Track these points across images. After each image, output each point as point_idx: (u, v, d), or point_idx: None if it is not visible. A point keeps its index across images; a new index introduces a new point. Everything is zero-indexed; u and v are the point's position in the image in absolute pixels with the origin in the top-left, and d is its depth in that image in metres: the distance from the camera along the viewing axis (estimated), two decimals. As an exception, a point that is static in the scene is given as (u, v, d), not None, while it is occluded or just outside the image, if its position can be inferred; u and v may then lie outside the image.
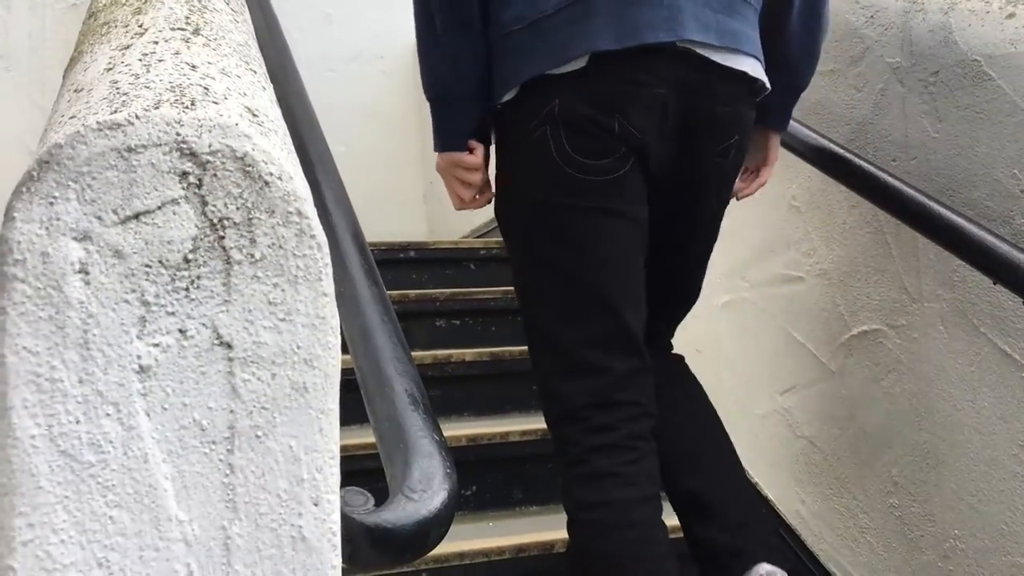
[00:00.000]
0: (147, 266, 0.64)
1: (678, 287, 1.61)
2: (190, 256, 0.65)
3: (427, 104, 1.53)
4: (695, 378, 1.71)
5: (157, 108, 0.65)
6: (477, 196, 1.57)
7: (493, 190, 1.54)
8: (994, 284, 1.47)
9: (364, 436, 1.80)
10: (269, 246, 0.66)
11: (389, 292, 2.68)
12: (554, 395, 1.44)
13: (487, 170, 1.55)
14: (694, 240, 1.58)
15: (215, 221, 0.65)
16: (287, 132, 0.81)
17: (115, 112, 0.64)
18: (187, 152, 0.64)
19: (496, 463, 2.17)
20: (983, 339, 1.54)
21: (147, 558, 0.62)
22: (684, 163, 1.48)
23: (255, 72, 0.85)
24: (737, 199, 1.72)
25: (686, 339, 2.33)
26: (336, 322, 0.69)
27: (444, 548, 1.77)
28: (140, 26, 0.84)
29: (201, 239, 0.65)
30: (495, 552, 1.82)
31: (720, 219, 1.60)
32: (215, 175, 0.65)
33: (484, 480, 2.16)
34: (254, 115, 0.71)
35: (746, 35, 1.45)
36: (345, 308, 1.08)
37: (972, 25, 1.57)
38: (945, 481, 1.62)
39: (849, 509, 1.84)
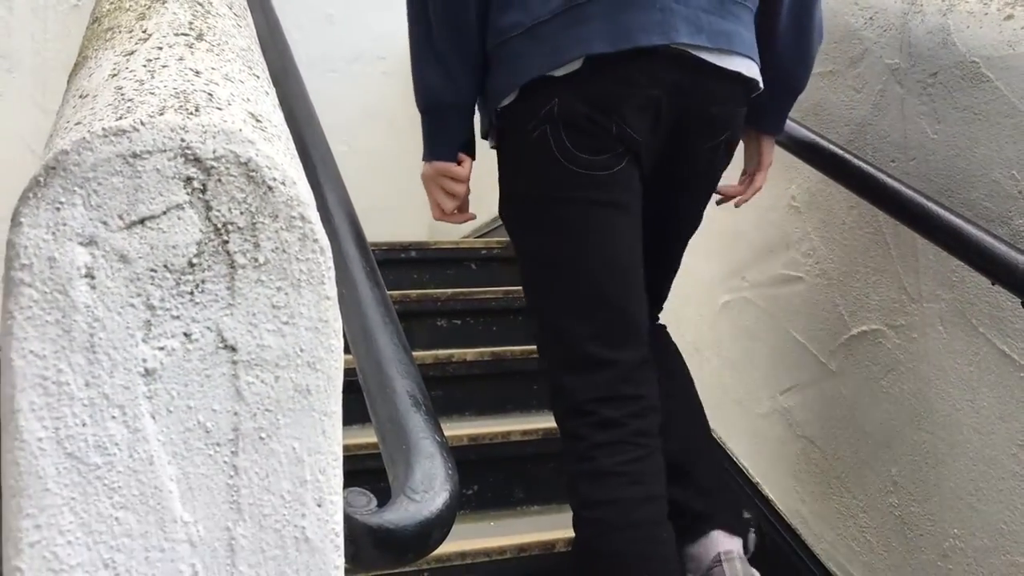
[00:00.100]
0: (152, 270, 0.64)
1: (660, 265, 1.65)
2: (195, 260, 0.65)
3: None
4: (673, 344, 1.75)
5: (162, 114, 0.66)
6: (457, 210, 1.60)
7: (498, 194, 1.56)
8: (992, 284, 1.48)
9: (366, 436, 1.81)
10: (273, 250, 0.67)
11: (390, 292, 2.69)
12: (562, 389, 1.47)
13: (469, 184, 1.58)
14: (679, 229, 1.64)
15: (219, 226, 0.66)
16: (290, 137, 0.82)
17: (120, 118, 0.65)
18: (191, 158, 0.65)
19: (497, 463, 2.18)
20: (982, 339, 1.55)
21: (152, 559, 0.63)
22: (676, 160, 1.52)
23: (258, 77, 0.85)
24: (736, 206, 1.76)
25: (687, 339, 2.34)
26: (339, 325, 0.70)
27: (446, 548, 1.78)
28: (144, 31, 0.85)
29: (205, 243, 0.66)
30: (496, 551, 1.83)
31: (704, 205, 1.65)
32: (219, 180, 0.66)
33: (485, 480, 2.17)
34: (257, 120, 0.71)
35: (739, 35, 1.48)
36: (347, 309, 1.09)
37: (970, 27, 1.58)
38: (944, 480, 1.63)
39: (849, 508, 1.84)
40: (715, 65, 1.46)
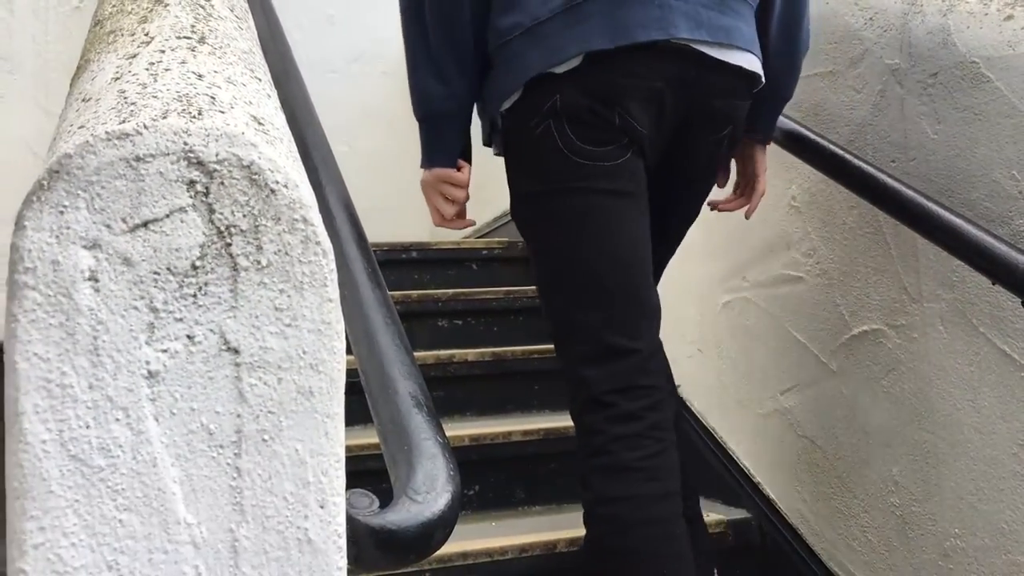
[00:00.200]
0: (155, 273, 0.65)
1: (656, 254, 1.64)
2: (198, 263, 0.66)
3: None
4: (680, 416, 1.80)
5: (165, 118, 0.66)
6: (456, 216, 1.62)
7: (510, 195, 1.58)
8: (993, 284, 1.48)
9: (368, 437, 1.81)
10: (275, 253, 0.67)
11: (391, 292, 2.69)
12: (580, 382, 1.47)
13: (468, 190, 1.61)
14: (677, 222, 1.67)
15: (222, 229, 0.66)
16: (292, 139, 0.82)
17: (123, 122, 0.65)
18: (194, 161, 0.65)
19: (498, 463, 2.18)
20: (982, 339, 1.55)
21: (156, 561, 0.63)
22: (678, 153, 1.54)
23: (260, 80, 0.86)
24: (747, 217, 1.78)
25: (687, 339, 2.34)
26: (341, 327, 0.70)
27: (447, 548, 1.79)
28: (146, 35, 0.85)
29: (208, 246, 0.66)
30: (498, 552, 1.83)
31: (703, 200, 1.68)
32: (222, 183, 0.66)
33: (487, 480, 2.17)
34: (260, 123, 0.72)
35: (739, 30, 1.49)
36: (349, 311, 1.10)
37: (970, 27, 1.58)
38: (945, 480, 1.63)
39: (850, 508, 1.85)
40: (716, 59, 1.47)
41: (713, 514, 2.07)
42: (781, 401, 2.03)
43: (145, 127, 0.65)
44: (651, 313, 1.50)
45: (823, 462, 1.91)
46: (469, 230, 3.69)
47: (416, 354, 2.41)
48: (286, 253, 0.68)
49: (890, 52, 1.74)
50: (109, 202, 0.64)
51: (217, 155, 0.66)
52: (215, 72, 0.78)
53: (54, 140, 0.74)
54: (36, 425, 0.62)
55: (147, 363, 0.64)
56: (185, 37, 0.85)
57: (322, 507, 0.67)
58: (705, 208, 1.84)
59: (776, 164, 2.00)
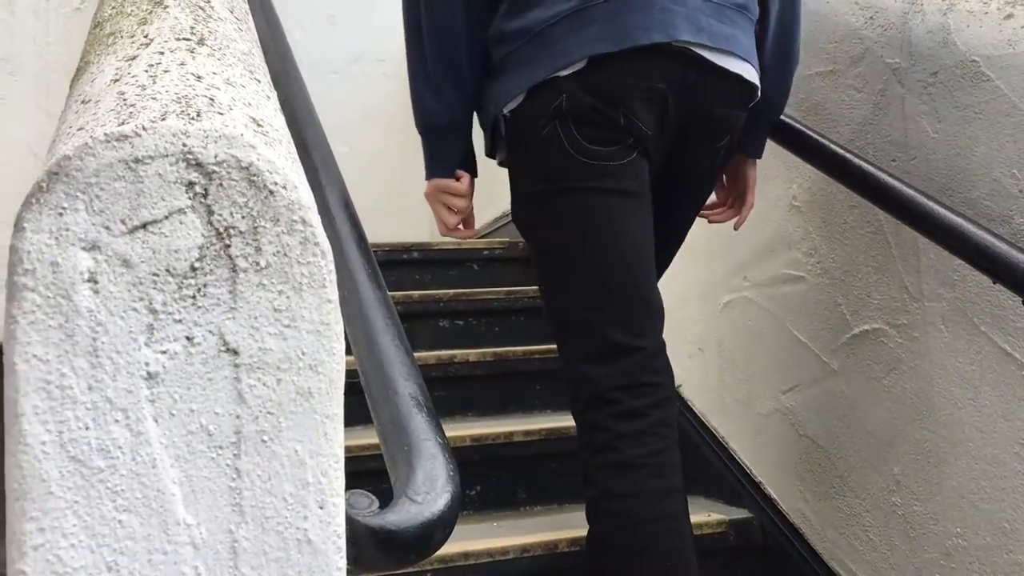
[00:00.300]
0: (154, 275, 0.65)
1: (656, 257, 1.67)
2: (197, 264, 0.66)
3: None
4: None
5: (164, 120, 0.66)
6: (461, 226, 1.67)
7: (510, 196, 1.61)
8: (994, 283, 1.48)
9: (369, 437, 1.81)
10: (274, 254, 0.68)
11: (393, 293, 2.69)
12: (584, 379, 1.48)
13: (471, 199, 1.66)
14: (678, 224, 1.69)
15: (221, 230, 0.66)
16: (291, 141, 0.82)
17: (122, 124, 0.65)
18: (193, 163, 0.66)
19: (500, 463, 2.18)
20: (983, 338, 1.55)
21: (156, 561, 0.64)
22: (678, 161, 1.57)
23: (259, 81, 0.86)
24: (735, 228, 1.83)
25: (689, 339, 2.34)
26: (340, 328, 0.70)
27: (449, 548, 1.79)
28: (146, 36, 0.85)
29: (207, 248, 0.66)
30: (499, 552, 1.83)
31: (701, 206, 1.72)
32: (221, 185, 0.66)
33: (488, 480, 2.17)
34: (259, 125, 0.72)
35: (739, 40, 1.52)
36: (349, 311, 1.10)
37: (970, 26, 1.58)
38: (947, 479, 1.63)
39: (851, 507, 1.85)
40: (716, 64, 1.50)
41: (715, 514, 2.07)
42: (782, 400, 2.03)
43: (144, 129, 0.65)
44: (654, 312, 1.52)
45: (824, 461, 1.91)
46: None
47: (417, 354, 2.42)
48: (285, 254, 0.68)
49: (890, 51, 1.74)
50: (108, 204, 0.64)
51: (216, 157, 0.66)
52: (214, 74, 0.78)
53: (53, 142, 0.74)
54: (36, 426, 0.62)
55: (146, 364, 0.64)
56: (184, 39, 0.85)
57: (321, 508, 0.67)
58: (706, 208, 1.87)
59: (777, 164, 2.00)
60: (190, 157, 0.65)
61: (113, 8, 1.02)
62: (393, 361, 0.99)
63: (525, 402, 2.50)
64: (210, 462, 0.65)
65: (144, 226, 0.65)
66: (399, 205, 3.78)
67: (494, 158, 1.67)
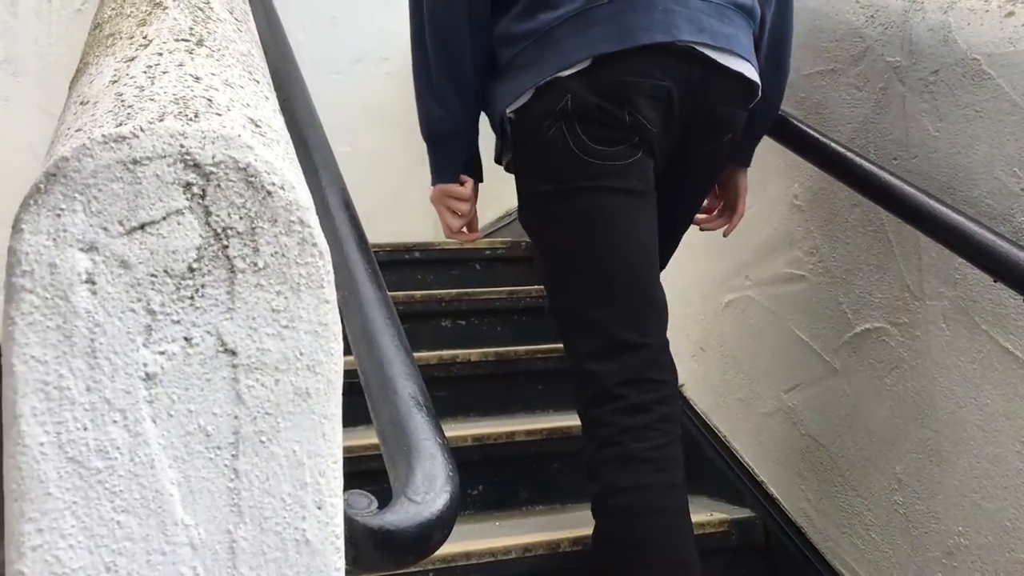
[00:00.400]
0: (152, 276, 0.65)
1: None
2: (194, 265, 0.66)
3: None
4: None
5: (161, 120, 0.66)
6: (465, 229, 1.71)
7: (518, 199, 1.64)
8: (995, 282, 1.47)
9: (370, 437, 1.81)
10: (272, 255, 0.68)
11: (395, 293, 2.69)
12: (590, 376, 1.50)
13: (475, 203, 1.70)
14: (679, 218, 1.72)
15: (219, 231, 0.66)
16: (290, 141, 0.82)
17: (120, 125, 0.65)
18: (191, 164, 0.66)
19: (502, 463, 2.18)
20: (985, 336, 1.55)
21: (154, 562, 0.64)
22: (680, 158, 1.60)
23: (258, 82, 0.86)
24: (724, 235, 1.87)
25: (691, 338, 2.34)
26: (338, 328, 0.70)
27: (450, 548, 1.79)
28: (145, 38, 0.85)
29: (205, 248, 0.66)
30: (501, 552, 1.83)
31: (701, 202, 1.76)
32: (218, 186, 0.66)
33: (490, 480, 2.17)
34: (257, 126, 0.72)
35: (739, 39, 1.55)
36: (349, 311, 1.10)
37: (971, 24, 1.58)
38: (949, 478, 1.63)
39: (853, 506, 1.84)
40: (719, 63, 1.52)
41: (717, 513, 2.06)
42: (784, 400, 2.03)
43: (141, 130, 0.65)
44: (659, 310, 1.54)
45: (826, 460, 1.91)
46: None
47: (419, 354, 2.43)
48: (283, 255, 0.68)
49: (891, 50, 1.74)
50: (106, 205, 0.64)
51: (213, 157, 0.66)
52: (213, 75, 0.78)
53: (52, 143, 0.74)
54: (34, 427, 0.62)
55: (144, 365, 0.64)
56: (183, 40, 0.85)
57: (320, 508, 0.68)
58: (708, 207, 1.88)
59: (778, 163, 2.00)
60: (188, 158, 0.65)
61: (113, 10, 1.02)
62: (393, 361, 0.99)
63: (527, 402, 2.50)
64: (208, 463, 0.65)
65: (142, 227, 0.65)
66: (401, 205, 3.78)
67: (501, 164, 1.69)
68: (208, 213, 0.66)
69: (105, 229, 0.64)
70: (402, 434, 0.89)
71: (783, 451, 2.04)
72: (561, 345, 1.64)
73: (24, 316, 0.62)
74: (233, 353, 0.66)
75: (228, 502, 0.65)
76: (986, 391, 1.55)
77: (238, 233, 0.67)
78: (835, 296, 1.87)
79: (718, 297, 2.25)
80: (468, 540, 1.85)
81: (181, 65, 0.78)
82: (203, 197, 0.66)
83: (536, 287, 2.78)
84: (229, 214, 0.66)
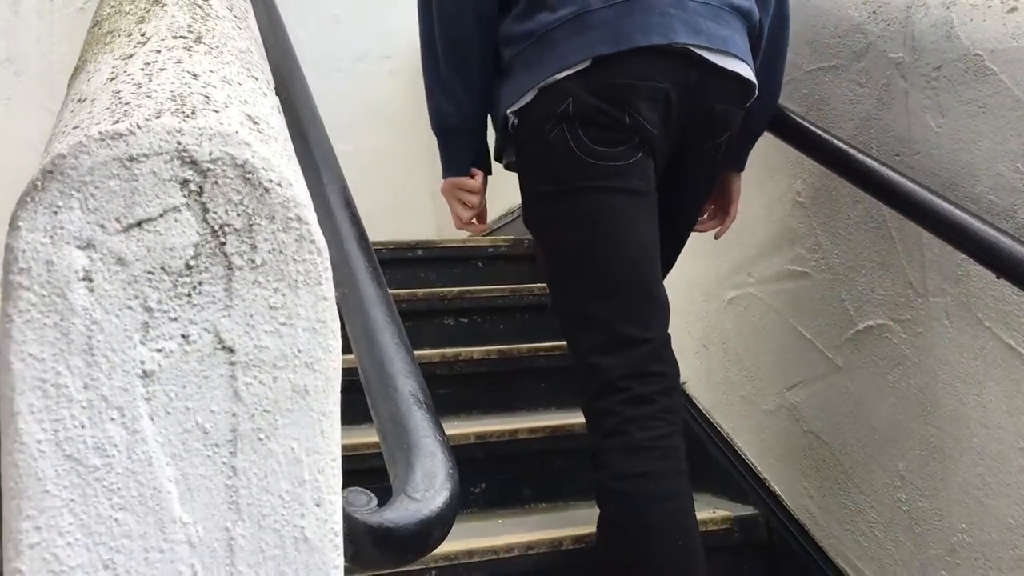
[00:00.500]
0: (150, 273, 0.65)
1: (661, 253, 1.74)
2: (192, 262, 0.66)
3: None
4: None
5: (158, 117, 0.66)
6: (475, 220, 1.76)
7: (521, 203, 1.68)
8: (998, 278, 1.47)
9: (372, 435, 1.81)
10: (270, 252, 0.67)
11: (397, 291, 2.69)
12: (593, 369, 1.53)
13: (484, 196, 1.74)
14: (680, 221, 1.74)
15: (216, 228, 0.66)
16: (288, 138, 0.82)
17: (117, 122, 0.65)
18: (188, 160, 0.65)
19: (505, 461, 2.18)
20: (988, 333, 1.54)
21: (152, 560, 0.63)
22: (679, 158, 1.62)
23: (256, 79, 0.86)
24: (716, 237, 1.90)
25: (693, 336, 2.34)
26: (337, 325, 0.70)
27: (453, 546, 1.79)
28: (143, 35, 0.85)
29: (202, 245, 0.66)
30: (504, 549, 1.83)
31: (704, 202, 1.78)
32: (216, 183, 0.66)
33: (493, 478, 2.17)
34: (255, 123, 0.72)
35: (735, 41, 1.58)
36: (349, 309, 1.10)
37: (974, 20, 1.57)
38: (952, 475, 1.62)
39: (856, 503, 1.84)
40: (715, 64, 1.55)
41: (720, 511, 2.06)
42: (787, 397, 2.02)
43: (138, 127, 0.65)
44: (660, 306, 1.57)
45: (829, 458, 1.91)
46: (475, 227, 3.69)
47: (422, 352, 2.43)
48: (280, 252, 0.68)
49: (894, 46, 1.74)
50: (103, 202, 0.64)
51: (211, 154, 0.66)
52: (211, 71, 0.78)
53: (50, 141, 0.74)
54: (31, 425, 0.62)
55: (142, 363, 0.64)
56: (182, 37, 0.85)
57: (318, 505, 0.67)
58: (710, 204, 1.88)
59: (780, 159, 2.00)
60: (185, 155, 0.65)
61: (112, 7, 1.02)
62: (393, 359, 0.99)
63: (530, 400, 2.50)
64: (206, 460, 0.65)
65: (139, 224, 0.64)
66: (403, 203, 3.78)
67: (501, 162, 1.73)
68: (205, 210, 0.66)
69: (102, 226, 0.64)
70: (402, 431, 0.89)
71: (786, 448, 2.03)
72: (564, 343, 1.67)
73: (21, 313, 0.62)
74: (231, 350, 0.66)
75: (226, 499, 0.65)
76: (989, 388, 1.55)
77: (235, 230, 0.66)
78: (838, 293, 1.87)
79: (721, 294, 2.24)
80: (471, 538, 1.85)
81: (179, 62, 0.78)
82: (200, 194, 0.66)
83: (539, 285, 2.77)
84: (226, 211, 0.66)
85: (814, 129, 1.81)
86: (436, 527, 0.78)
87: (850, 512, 1.86)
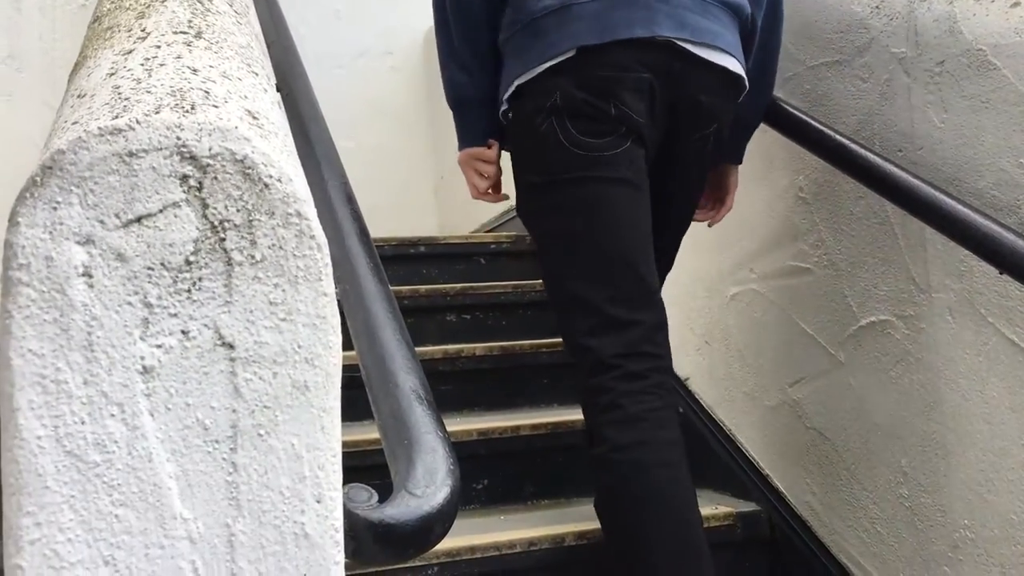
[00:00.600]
0: (149, 268, 0.65)
1: (657, 249, 1.75)
2: (191, 258, 0.66)
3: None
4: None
5: (158, 113, 0.66)
6: (491, 190, 1.80)
7: (510, 192, 1.74)
8: (1001, 274, 1.47)
9: (374, 431, 1.81)
10: (269, 247, 0.67)
11: (400, 287, 2.68)
12: (586, 351, 1.58)
13: (500, 166, 1.78)
14: (669, 218, 1.76)
15: (216, 223, 0.66)
16: (289, 134, 0.82)
17: (116, 117, 0.65)
18: (187, 156, 0.65)
19: (507, 457, 2.17)
20: (991, 329, 1.54)
21: (152, 555, 0.63)
22: (669, 148, 1.66)
23: (257, 74, 0.85)
24: (709, 226, 1.93)
25: (696, 332, 2.34)
26: (337, 321, 0.70)
27: (455, 542, 1.79)
28: (143, 30, 0.85)
29: (202, 241, 0.66)
30: (506, 545, 1.83)
31: (698, 194, 1.79)
32: (215, 178, 0.66)
33: (495, 474, 2.17)
34: (254, 118, 0.72)
35: (722, 35, 1.61)
36: (350, 305, 1.10)
37: (977, 14, 1.57)
38: (954, 471, 1.62)
39: (859, 500, 1.84)
40: (699, 56, 1.58)
41: (722, 507, 2.06)
42: (789, 393, 2.02)
43: (138, 122, 0.65)
44: (651, 291, 1.60)
45: (832, 454, 1.91)
46: (477, 224, 3.69)
47: (425, 348, 2.43)
48: (280, 247, 0.67)
49: (896, 40, 1.73)
50: (102, 198, 0.64)
51: (210, 150, 0.66)
52: (210, 67, 0.78)
53: (49, 136, 0.74)
54: (31, 421, 0.62)
55: (142, 358, 0.64)
56: (182, 32, 0.85)
57: (318, 502, 0.67)
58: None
59: (783, 155, 1.99)
60: (184, 150, 0.65)
61: (112, 3, 1.02)
62: (394, 355, 0.99)
63: (532, 396, 2.50)
64: (206, 456, 0.65)
65: (138, 220, 0.64)
66: (405, 199, 3.78)
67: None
68: (205, 206, 0.66)
69: (101, 222, 0.64)
70: (403, 428, 0.89)
71: (788, 444, 2.03)
72: (567, 339, 1.69)
73: (21, 309, 0.62)
74: (231, 346, 0.66)
75: (226, 496, 0.65)
76: (992, 384, 1.54)
77: (235, 226, 0.66)
78: (840, 289, 1.87)
79: (723, 290, 2.24)
80: (473, 534, 1.85)
81: (179, 57, 0.78)
82: (200, 189, 0.66)
83: (541, 281, 2.77)
84: (226, 206, 0.66)
85: (816, 125, 1.80)
86: (437, 523, 0.78)
87: (852, 508, 1.86)
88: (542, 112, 1.56)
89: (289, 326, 0.67)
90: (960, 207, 1.49)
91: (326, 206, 1.24)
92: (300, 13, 3.34)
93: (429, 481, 0.81)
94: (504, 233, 3.32)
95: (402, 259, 2.99)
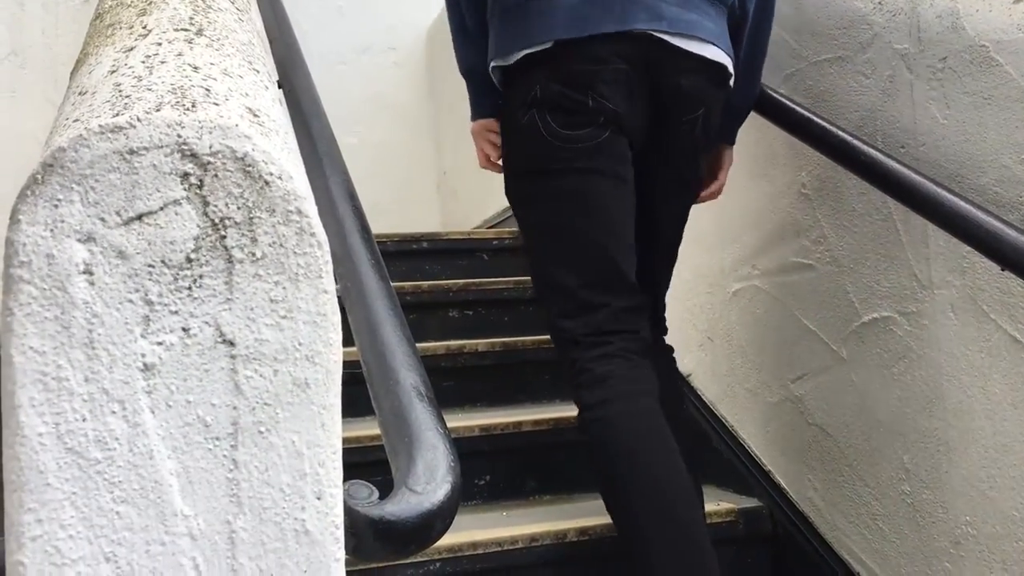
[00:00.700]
0: (150, 266, 0.65)
1: (659, 239, 1.81)
2: (192, 256, 0.66)
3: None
4: (670, 372, 1.89)
5: (158, 110, 0.66)
6: (501, 161, 1.82)
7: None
8: (1003, 270, 1.47)
9: (374, 428, 1.81)
10: (270, 245, 0.67)
11: (403, 283, 2.68)
12: (561, 329, 1.66)
13: None
14: (665, 207, 1.79)
15: (216, 221, 0.66)
16: (290, 131, 0.82)
17: (117, 115, 0.65)
18: (188, 153, 0.65)
19: (509, 453, 2.18)
20: (993, 325, 1.54)
21: (153, 552, 0.64)
22: (657, 133, 1.69)
23: (258, 72, 0.85)
24: (697, 201, 1.91)
25: (698, 328, 2.34)
26: (337, 318, 0.70)
27: (457, 538, 1.79)
28: (144, 28, 0.85)
29: (203, 239, 0.66)
30: (508, 541, 1.83)
31: (694, 183, 1.82)
32: (216, 176, 0.66)
33: (497, 470, 2.17)
34: (255, 115, 0.72)
35: (702, 24, 1.63)
36: (352, 302, 1.10)
37: (980, 11, 1.57)
38: (956, 468, 1.62)
39: (861, 496, 1.84)
40: (676, 46, 1.61)
41: (724, 503, 2.06)
42: (791, 389, 2.02)
43: (138, 120, 0.65)
44: (624, 277, 1.65)
45: (834, 450, 1.91)
46: (480, 220, 3.69)
47: (427, 344, 2.43)
48: (281, 245, 0.68)
49: (899, 37, 1.73)
50: (103, 195, 0.64)
51: (211, 147, 0.66)
52: (211, 64, 0.78)
53: (50, 134, 0.74)
54: (33, 418, 0.62)
55: (143, 356, 0.64)
56: (183, 29, 0.85)
57: (319, 498, 0.67)
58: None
59: (785, 151, 1.99)
60: (185, 148, 0.65)
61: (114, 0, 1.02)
62: (395, 351, 0.99)
63: (534, 392, 2.50)
64: (207, 453, 0.65)
65: (139, 217, 0.64)
66: (408, 196, 3.78)
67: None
68: (206, 203, 0.66)
69: (102, 220, 0.64)
70: (404, 424, 0.89)
71: (790, 441, 2.03)
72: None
73: (22, 307, 0.62)
74: (231, 344, 0.66)
75: (227, 492, 0.65)
76: (994, 380, 1.54)
77: (236, 223, 0.66)
78: (842, 285, 1.87)
79: (725, 287, 2.24)
80: (475, 530, 1.85)
81: (180, 55, 0.78)
82: (200, 187, 0.66)
83: (541, 276, 2.77)
84: (227, 204, 0.66)
85: (819, 121, 1.80)
86: (437, 520, 0.78)
87: (854, 504, 1.86)
88: (524, 105, 1.62)
89: (290, 323, 0.67)
90: (962, 203, 1.49)
91: (327, 203, 1.25)
92: (303, 9, 3.34)
93: (430, 478, 0.81)
94: (507, 229, 3.32)
95: (405, 255, 2.99)
